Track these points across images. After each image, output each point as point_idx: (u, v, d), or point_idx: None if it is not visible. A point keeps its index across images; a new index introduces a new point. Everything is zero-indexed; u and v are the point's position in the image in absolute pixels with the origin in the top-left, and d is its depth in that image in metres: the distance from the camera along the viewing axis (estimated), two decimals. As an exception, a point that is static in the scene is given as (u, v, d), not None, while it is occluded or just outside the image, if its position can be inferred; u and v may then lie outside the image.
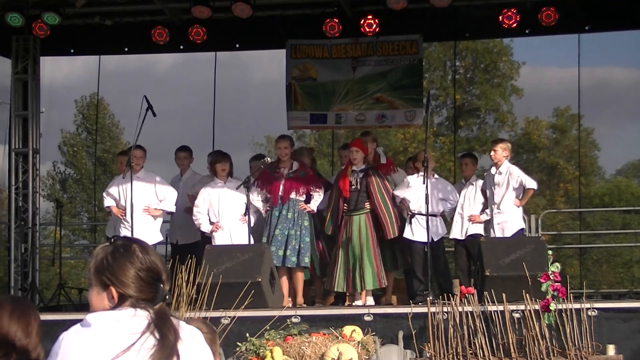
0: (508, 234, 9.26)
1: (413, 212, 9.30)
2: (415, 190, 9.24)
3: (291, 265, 9.15)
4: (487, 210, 9.52)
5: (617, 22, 11.95)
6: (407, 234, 9.29)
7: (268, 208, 9.37)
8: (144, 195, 9.40)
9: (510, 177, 9.32)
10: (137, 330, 2.39)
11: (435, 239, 9.27)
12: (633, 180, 30.86)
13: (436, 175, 9.69)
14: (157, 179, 9.59)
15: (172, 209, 9.64)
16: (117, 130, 32.07)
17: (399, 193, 9.38)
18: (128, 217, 9.31)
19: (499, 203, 9.33)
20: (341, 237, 9.19)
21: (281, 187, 9.30)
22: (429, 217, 8.97)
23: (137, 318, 2.41)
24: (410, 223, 9.24)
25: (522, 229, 9.57)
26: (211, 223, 9.50)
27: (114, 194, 9.52)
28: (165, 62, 40.12)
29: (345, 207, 9.19)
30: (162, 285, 2.48)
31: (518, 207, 9.41)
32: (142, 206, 9.37)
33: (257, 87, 36.43)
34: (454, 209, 9.68)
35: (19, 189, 12.09)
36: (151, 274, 2.47)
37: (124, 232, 9.29)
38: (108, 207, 9.65)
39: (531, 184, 9.36)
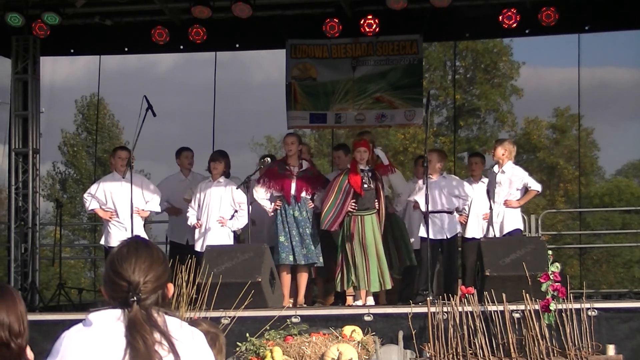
0: (505, 232, 9.29)
1: (425, 212, 9.35)
2: (424, 190, 9.34)
3: (308, 262, 9.17)
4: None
5: (617, 22, 11.95)
6: (422, 232, 9.38)
7: (277, 207, 9.30)
8: (133, 196, 9.35)
9: (514, 177, 9.36)
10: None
11: (448, 236, 9.45)
12: (633, 180, 30.85)
13: (444, 174, 9.77)
14: (142, 180, 9.61)
15: (158, 209, 9.67)
16: (117, 130, 32.07)
17: (415, 197, 9.56)
18: (121, 219, 9.27)
19: (499, 202, 9.36)
20: (354, 236, 9.07)
21: (293, 185, 9.28)
22: (442, 214, 9.12)
23: (120, 321, 2.43)
24: (426, 223, 9.28)
25: (520, 229, 9.56)
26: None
27: (99, 196, 9.40)
28: (166, 63, 40.17)
29: (354, 206, 9.10)
30: (130, 289, 2.45)
31: (516, 207, 9.43)
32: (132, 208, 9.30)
33: (257, 88, 36.47)
34: (469, 205, 9.79)
35: (19, 189, 12.08)
36: (115, 275, 2.47)
37: (117, 233, 9.24)
38: (92, 210, 9.54)
39: (536, 186, 9.41)
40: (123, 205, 9.28)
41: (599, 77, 31.30)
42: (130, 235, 8.98)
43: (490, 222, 9.44)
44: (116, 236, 9.17)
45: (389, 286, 9.04)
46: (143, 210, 9.44)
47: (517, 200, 9.39)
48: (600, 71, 32.23)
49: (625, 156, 31.79)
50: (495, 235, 9.26)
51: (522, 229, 9.72)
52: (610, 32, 13.59)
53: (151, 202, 9.50)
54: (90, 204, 9.50)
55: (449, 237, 9.54)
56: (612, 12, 11.48)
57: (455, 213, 9.72)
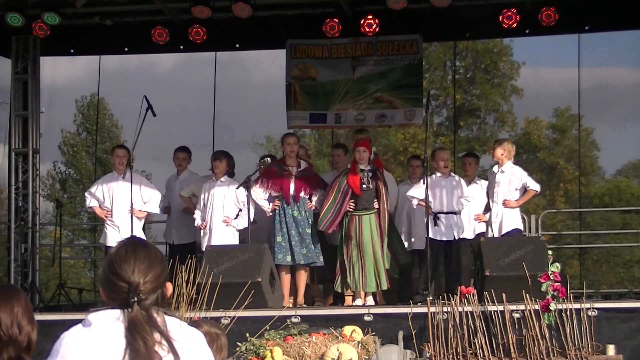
0: (504, 231, 9.27)
1: (435, 212, 9.33)
2: (436, 190, 9.33)
3: (308, 262, 9.17)
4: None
5: (617, 22, 11.95)
6: (433, 234, 9.30)
7: (276, 207, 9.29)
8: (130, 196, 9.34)
9: (513, 177, 9.36)
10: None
11: (456, 237, 9.48)
12: (633, 180, 30.83)
13: (453, 175, 9.78)
14: (142, 180, 9.61)
15: (156, 210, 9.72)
16: (117, 130, 32.06)
17: (415, 194, 9.40)
18: (114, 218, 9.32)
19: (498, 202, 9.35)
20: (351, 236, 9.06)
21: (292, 185, 9.28)
22: (448, 215, 9.18)
23: (120, 321, 2.43)
24: (436, 224, 9.27)
25: (519, 229, 9.54)
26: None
27: (98, 195, 9.47)
28: (166, 63, 40.12)
29: (352, 206, 9.08)
30: (130, 290, 2.44)
31: (515, 207, 9.41)
32: (127, 207, 9.28)
33: (257, 87, 36.40)
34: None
35: (19, 189, 12.08)
36: (115, 276, 2.47)
37: (111, 232, 9.32)
38: (90, 207, 9.67)
39: (534, 186, 9.41)
40: (118, 204, 9.31)
41: (599, 77, 31.32)
42: (128, 235, 9.06)
43: (489, 222, 9.43)
44: (112, 236, 9.29)
45: (384, 287, 9.03)
46: (140, 210, 9.41)
47: (516, 200, 9.38)
48: (600, 71, 32.25)
49: (625, 156, 31.77)
50: (494, 236, 9.26)
51: (521, 229, 9.70)
52: (610, 32, 13.60)
53: (149, 202, 9.49)
54: (90, 201, 9.58)
55: (456, 238, 9.50)
56: (612, 12, 11.48)
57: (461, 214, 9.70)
